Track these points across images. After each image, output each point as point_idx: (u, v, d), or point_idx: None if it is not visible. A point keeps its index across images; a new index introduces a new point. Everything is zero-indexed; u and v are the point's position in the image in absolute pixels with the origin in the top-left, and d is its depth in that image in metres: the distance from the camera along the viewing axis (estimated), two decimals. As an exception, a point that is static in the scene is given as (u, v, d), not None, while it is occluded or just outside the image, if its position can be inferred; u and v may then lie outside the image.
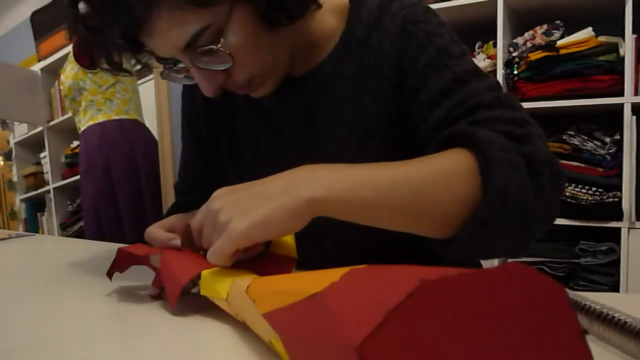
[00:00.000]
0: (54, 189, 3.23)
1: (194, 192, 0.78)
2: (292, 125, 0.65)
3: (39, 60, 3.15)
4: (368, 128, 0.59)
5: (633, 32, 1.50)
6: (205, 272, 0.44)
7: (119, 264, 0.54)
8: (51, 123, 3.17)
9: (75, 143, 3.06)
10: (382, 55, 0.57)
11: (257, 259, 0.48)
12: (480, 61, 1.79)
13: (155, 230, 0.54)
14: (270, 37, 0.52)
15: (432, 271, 0.26)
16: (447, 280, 0.22)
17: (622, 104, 1.51)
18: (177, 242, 0.51)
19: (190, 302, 0.48)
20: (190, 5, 0.46)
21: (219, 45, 0.49)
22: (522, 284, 0.22)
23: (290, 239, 0.48)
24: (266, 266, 0.45)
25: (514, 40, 1.74)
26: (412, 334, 0.22)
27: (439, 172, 0.41)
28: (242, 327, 0.41)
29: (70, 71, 2.11)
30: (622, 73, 1.53)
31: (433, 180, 0.40)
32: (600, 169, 1.60)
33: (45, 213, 3.52)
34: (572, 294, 0.41)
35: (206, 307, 0.45)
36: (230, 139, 0.71)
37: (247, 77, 0.54)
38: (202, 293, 0.44)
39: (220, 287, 0.41)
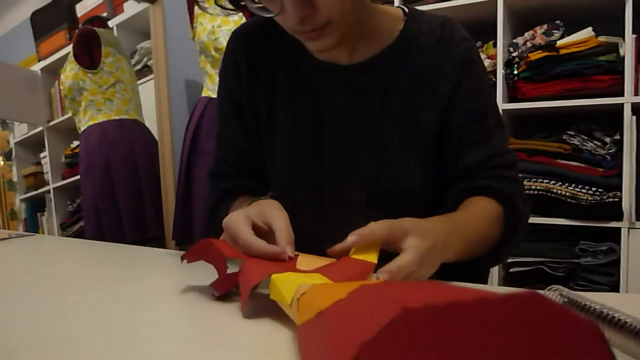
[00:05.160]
0: (54, 189, 3.23)
1: (238, 173, 0.77)
2: (335, 105, 0.69)
3: (39, 60, 3.14)
4: (413, 130, 0.68)
5: (633, 32, 1.50)
6: (274, 276, 0.44)
7: (195, 253, 0.54)
8: (51, 123, 3.16)
9: (75, 143, 3.05)
10: (442, 75, 0.67)
11: (334, 262, 0.48)
12: (480, 61, 1.79)
13: (252, 238, 0.51)
14: None
15: (442, 293, 0.24)
16: (433, 309, 0.20)
17: (622, 104, 1.51)
18: (285, 256, 0.50)
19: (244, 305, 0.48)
20: None
21: None
22: (539, 316, 0.19)
23: (374, 246, 0.47)
24: (341, 271, 0.45)
25: (514, 40, 1.74)
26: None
27: (490, 228, 0.63)
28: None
29: (70, 71, 2.11)
30: (622, 73, 1.53)
31: (490, 234, 0.63)
32: (600, 169, 1.60)
33: (45, 213, 3.51)
34: (572, 294, 0.41)
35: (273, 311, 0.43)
36: (268, 110, 0.73)
37: (327, 18, 0.58)
38: (270, 297, 0.44)
39: (286, 292, 0.40)
